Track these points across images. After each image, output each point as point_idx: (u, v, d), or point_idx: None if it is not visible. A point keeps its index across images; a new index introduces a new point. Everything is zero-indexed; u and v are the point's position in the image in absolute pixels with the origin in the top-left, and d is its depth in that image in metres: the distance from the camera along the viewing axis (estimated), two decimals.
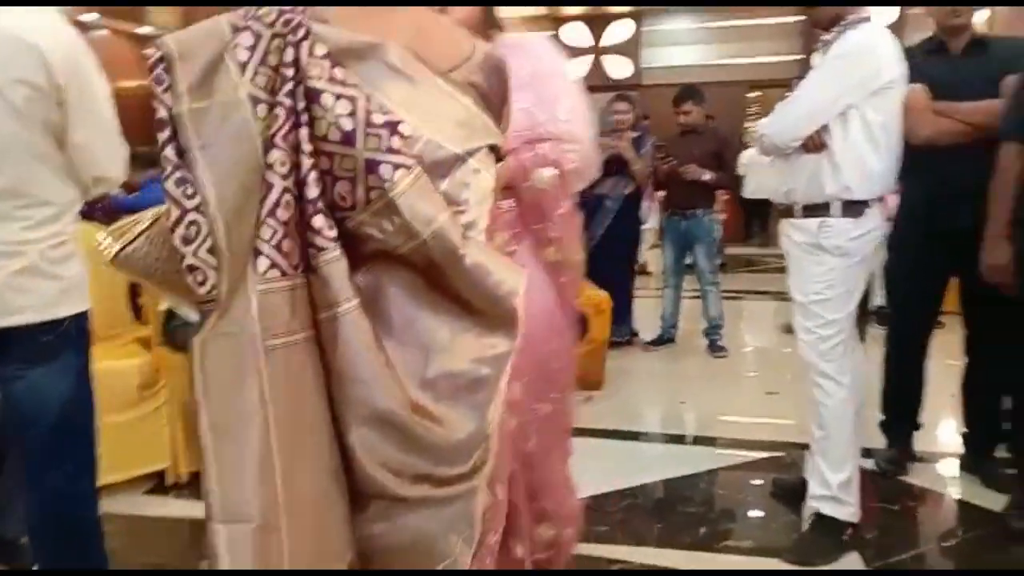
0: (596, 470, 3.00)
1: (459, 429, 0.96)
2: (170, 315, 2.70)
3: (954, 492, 2.74)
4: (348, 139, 0.89)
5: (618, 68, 10.69)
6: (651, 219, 5.78)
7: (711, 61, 10.22)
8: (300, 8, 0.93)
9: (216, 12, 0.95)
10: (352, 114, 0.88)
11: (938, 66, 2.62)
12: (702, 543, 2.41)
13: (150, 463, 2.79)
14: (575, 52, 10.86)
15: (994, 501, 2.54)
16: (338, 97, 0.88)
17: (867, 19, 2.28)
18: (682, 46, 10.45)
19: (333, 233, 0.90)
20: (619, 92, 5.06)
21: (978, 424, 2.85)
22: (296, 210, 0.90)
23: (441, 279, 0.96)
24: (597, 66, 10.77)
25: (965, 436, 2.89)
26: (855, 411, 2.34)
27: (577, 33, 10.80)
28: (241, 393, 0.87)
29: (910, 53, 2.65)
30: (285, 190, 0.89)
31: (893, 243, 2.88)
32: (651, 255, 7.00)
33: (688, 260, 4.85)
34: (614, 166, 4.64)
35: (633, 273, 5.01)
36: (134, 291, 3.12)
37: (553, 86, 1.80)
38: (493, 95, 1.02)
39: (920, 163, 2.60)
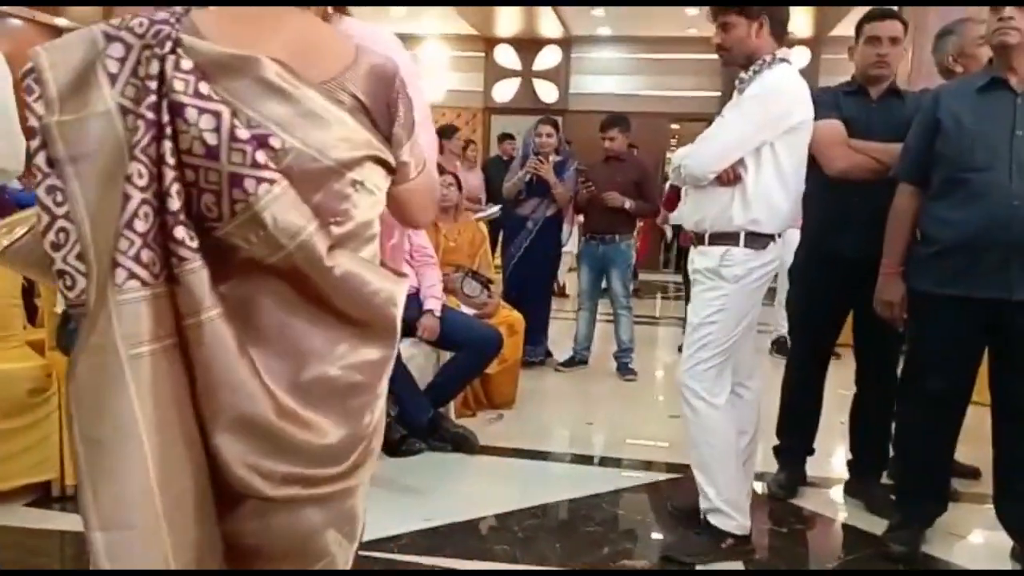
0: (502, 488, 3.05)
1: (331, 433, 0.99)
2: (66, 318, 2.61)
3: (839, 516, 2.87)
4: (212, 153, 0.90)
5: (545, 93, 10.88)
6: (571, 242, 5.88)
7: (636, 91, 10.50)
8: (176, 18, 0.94)
9: (135, 10, 0.95)
10: (216, 129, 0.89)
11: (856, 107, 2.77)
12: (602, 562, 2.46)
13: (37, 473, 2.65)
14: (506, 74, 11.02)
15: (876, 525, 2.66)
16: (202, 112, 0.89)
17: (784, 60, 2.40)
18: (608, 76, 10.72)
19: (195, 244, 0.91)
20: (544, 116, 5.15)
21: (864, 452, 2.99)
22: (157, 221, 0.90)
23: (313, 288, 0.98)
24: (528, 89, 10.94)
25: (851, 463, 3.03)
26: (740, 432, 2.46)
27: (508, 56, 10.95)
28: (111, 404, 0.87)
29: (831, 92, 2.83)
30: (143, 202, 0.89)
31: (794, 274, 3.04)
32: (570, 278, 7.11)
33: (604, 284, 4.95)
34: (536, 188, 4.73)
35: (551, 295, 5.09)
36: (30, 291, 3.00)
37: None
38: (377, 105, 1.03)
39: (821, 195, 2.76)
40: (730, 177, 2.37)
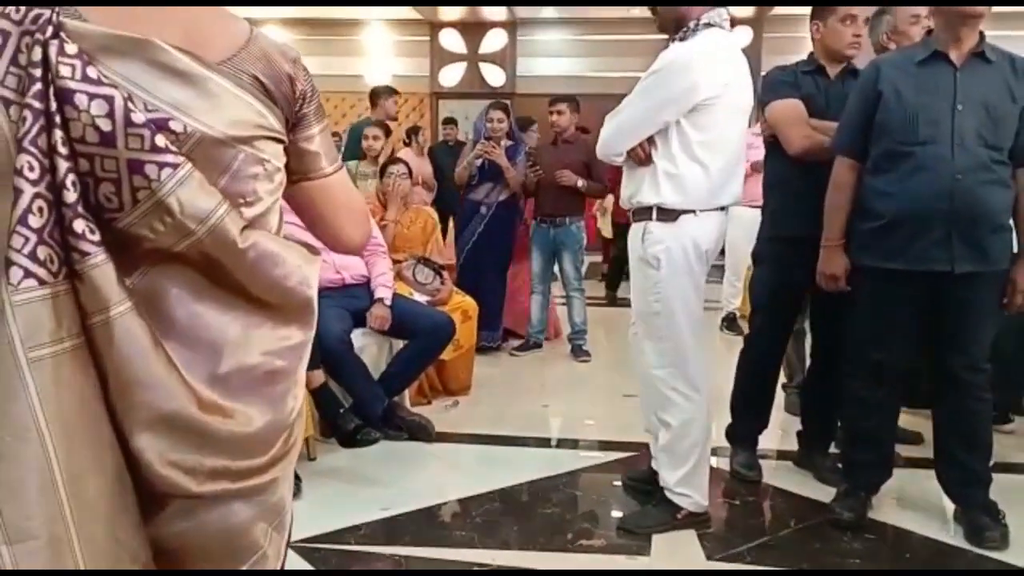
0: (460, 475, 3.06)
1: (254, 422, 0.97)
2: None
3: (790, 486, 2.93)
4: (107, 140, 0.86)
5: (492, 76, 10.83)
6: None
7: (584, 73, 10.50)
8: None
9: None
10: (109, 115, 0.85)
11: (814, 86, 2.79)
12: (561, 543, 2.49)
13: None
14: (452, 58, 10.93)
15: (826, 494, 2.74)
16: (92, 97, 0.85)
17: (711, 25, 2.35)
18: (556, 58, 10.70)
19: (96, 237, 0.87)
20: (495, 100, 5.14)
21: (813, 424, 3.06)
22: (53, 215, 0.85)
23: (225, 274, 0.95)
24: (474, 72, 10.87)
25: (800, 435, 3.11)
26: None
27: (453, 39, 10.87)
28: (9, 412, 0.82)
29: (788, 71, 2.85)
30: (36, 196, 0.84)
31: (758, 255, 3.06)
32: None
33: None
34: (488, 173, 4.72)
35: (504, 279, 5.09)
36: None
37: None
38: (277, 85, 1.00)
39: (782, 175, 2.80)
40: (641, 156, 2.38)
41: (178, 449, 0.91)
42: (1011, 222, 2.42)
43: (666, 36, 2.53)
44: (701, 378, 2.47)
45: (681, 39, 2.37)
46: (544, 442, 3.47)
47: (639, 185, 2.42)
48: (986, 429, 2.54)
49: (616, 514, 2.71)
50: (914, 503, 2.73)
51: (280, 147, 1.02)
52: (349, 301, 3.28)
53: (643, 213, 2.42)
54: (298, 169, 1.07)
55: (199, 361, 0.93)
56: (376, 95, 5.88)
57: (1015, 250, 2.45)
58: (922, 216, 2.34)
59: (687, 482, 2.49)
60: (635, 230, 2.47)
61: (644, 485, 2.75)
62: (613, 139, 2.41)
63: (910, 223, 2.37)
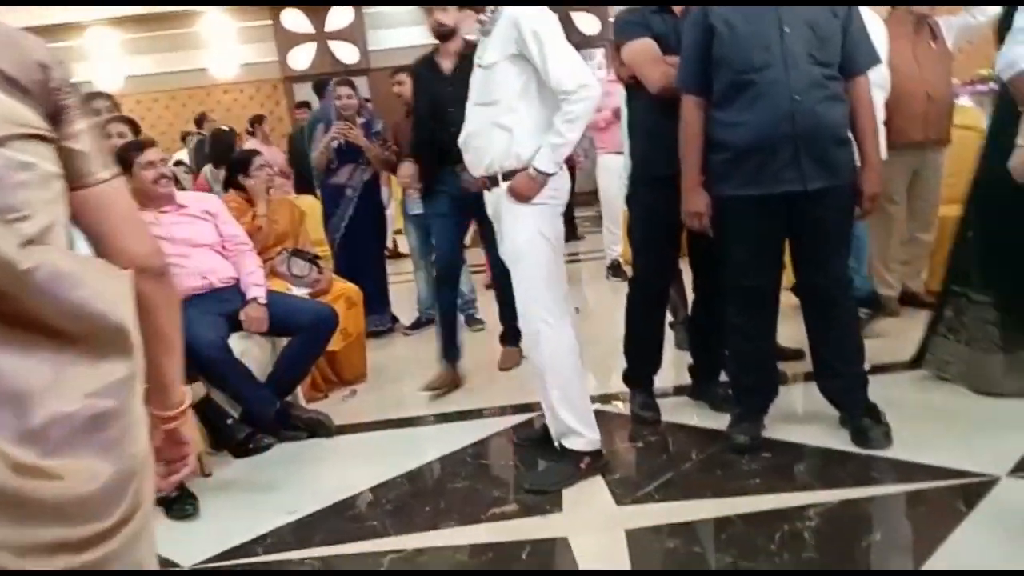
0: (365, 465, 2.98)
1: (90, 478, 0.84)
2: None
3: (686, 420, 3.02)
4: None
5: (344, 54, 10.53)
6: (391, 204, 5.78)
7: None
8: None
9: None
10: None
11: (663, 24, 2.80)
12: (473, 516, 2.47)
13: None
14: (299, 39, 10.54)
15: (722, 422, 2.82)
16: None
17: None
18: (408, 28, 10.47)
19: None
20: (339, 77, 4.97)
21: (701, 355, 3.16)
22: None
23: (13, 306, 0.81)
24: (325, 52, 10.52)
25: (691, 368, 3.20)
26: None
27: (297, 20, 10.48)
28: None
29: (637, 12, 2.85)
30: None
31: (630, 201, 3.05)
32: (398, 239, 6.99)
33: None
34: (348, 154, 4.56)
35: (383, 260, 4.99)
36: None
37: None
38: (29, 75, 0.89)
39: (643, 118, 2.82)
40: None
41: None
42: (850, 134, 2.52)
43: None
44: (568, 314, 2.60)
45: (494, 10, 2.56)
46: (445, 417, 3.43)
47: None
48: (855, 336, 2.67)
49: (525, 477, 2.71)
50: (804, 416, 2.87)
51: (49, 148, 0.91)
52: (221, 305, 3.11)
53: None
54: (67, 175, 0.94)
55: (4, 419, 0.79)
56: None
57: (856, 162, 2.56)
58: (769, 140, 2.42)
59: (578, 417, 2.59)
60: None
61: (538, 442, 2.82)
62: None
63: (759, 149, 2.44)
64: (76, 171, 0.95)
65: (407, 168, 3.70)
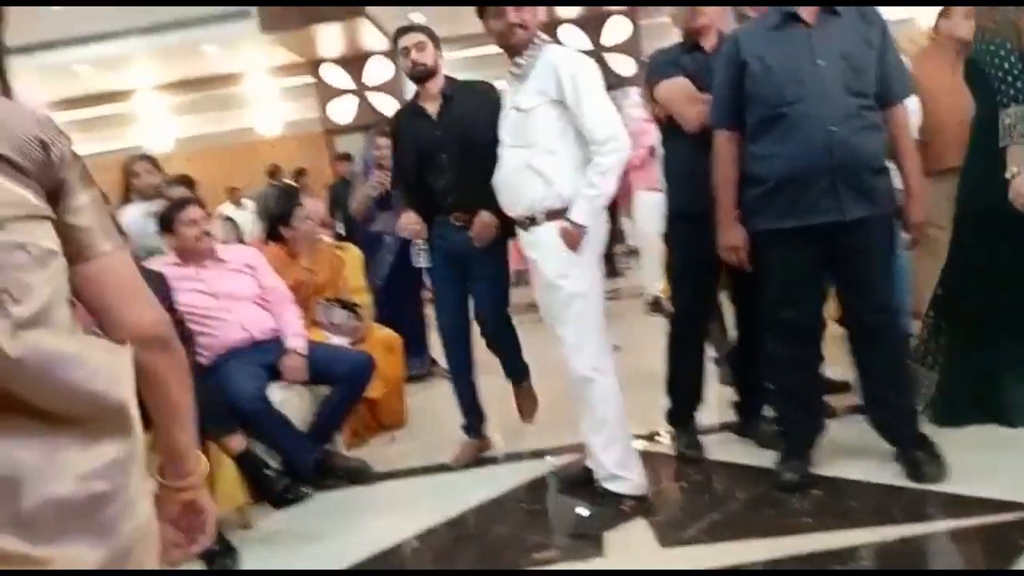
0: (405, 512, 2.95)
1: (83, 558, 0.82)
2: None
3: (732, 458, 2.94)
4: None
5: (384, 106, 10.76)
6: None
7: None
8: None
9: None
10: None
11: (693, 62, 2.79)
12: (514, 562, 2.42)
13: None
14: (338, 93, 10.82)
15: (768, 459, 2.74)
16: None
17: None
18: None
19: None
20: (376, 127, 5.06)
21: (746, 391, 3.08)
22: None
23: (7, 396, 0.80)
24: (365, 105, 10.79)
25: (736, 404, 3.12)
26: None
27: (337, 75, 10.78)
28: None
29: (667, 52, 2.89)
30: None
31: (669, 238, 3.03)
32: None
33: None
34: (387, 202, 4.62)
35: (421, 303, 5.01)
36: None
37: None
38: (26, 151, 0.86)
39: (679, 155, 2.81)
40: None
41: None
42: (888, 163, 2.48)
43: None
44: (611, 358, 2.61)
45: (532, 55, 2.59)
46: (486, 461, 3.38)
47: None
48: (905, 366, 2.59)
49: (567, 520, 2.66)
50: (853, 451, 2.76)
51: (47, 225, 0.88)
52: (261, 357, 3.15)
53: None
54: (69, 251, 0.91)
55: None
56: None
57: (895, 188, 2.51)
58: (804, 172, 2.39)
59: (620, 462, 2.57)
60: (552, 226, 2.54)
61: (579, 485, 2.78)
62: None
63: (796, 181, 2.41)
64: (77, 246, 0.93)
65: (411, 218, 3.17)
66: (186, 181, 4.83)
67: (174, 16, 8.65)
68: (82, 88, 10.33)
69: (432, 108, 3.16)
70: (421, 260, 3.21)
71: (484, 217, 2.98)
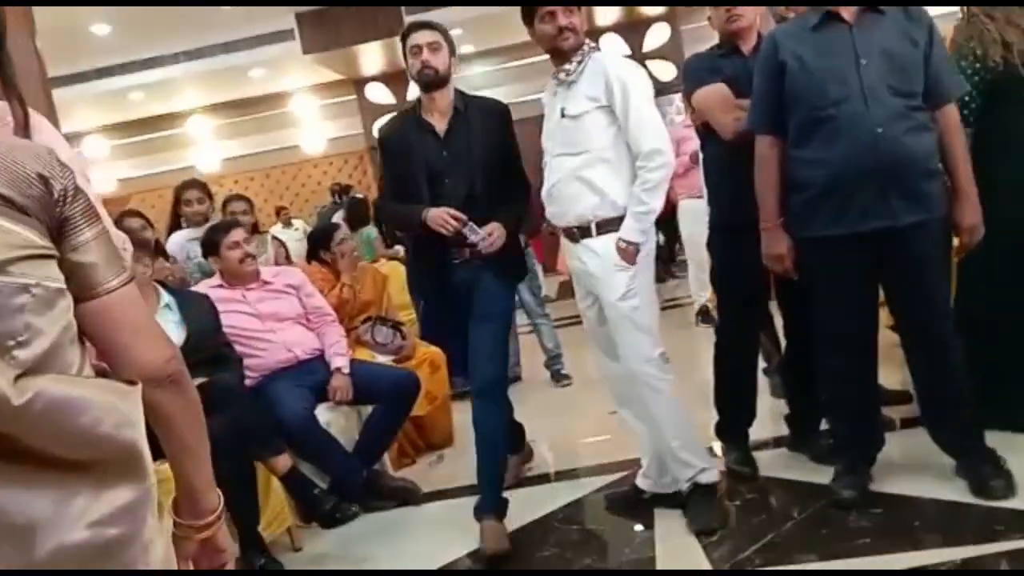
0: (456, 532, 2.91)
1: None
2: None
3: (788, 474, 2.84)
4: None
5: None
6: None
7: (515, 99, 10.49)
8: None
9: None
10: None
11: (732, 66, 2.73)
12: None
13: None
14: (382, 110, 10.91)
15: (824, 475, 2.64)
16: None
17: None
18: (483, 91, 10.66)
19: None
20: None
21: (799, 405, 2.98)
22: None
23: (14, 445, 0.78)
24: None
25: (788, 418, 3.03)
26: None
27: (380, 92, 10.89)
28: None
29: (705, 56, 2.84)
30: None
31: (712, 246, 2.96)
32: None
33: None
34: None
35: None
36: None
37: None
38: (21, 192, 0.84)
39: (721, 162, 2.75)
40: None
41: None
42: (940, 165, 2.38)
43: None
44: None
45: (580, 61, 2.55)
46: (534, 480, 3.34)
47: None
48: (964, 375, 2.47)
49: (620, 538, 2.60)
50: (914, 466, 2.64)
51: (52, 264, 0.87)
52: (306, 377, 3.17)
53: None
54: (74, 288, 0.90)
55: (6, 555, 0.77)
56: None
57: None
58: (852, 176, 2.30)
59: (701, 455, 2.62)
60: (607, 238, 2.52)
61: (628, 503, 2.78)
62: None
63: (843, 186, 2.32)
64: (83, 283, 0.91)
65: (437, 210, 2.62)
66: (242, 199, 4.93)
67: (220, 40, 8.85)
68: (137, 113, 10.63)
69: (440, 124, 2.74)
70: (476, 234, 2.61)
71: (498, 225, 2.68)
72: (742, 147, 2.59)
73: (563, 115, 2.57)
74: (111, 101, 9.66)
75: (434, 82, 2.72)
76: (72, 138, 10.23)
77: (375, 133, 12.13)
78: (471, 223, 2.60)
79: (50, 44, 5.39)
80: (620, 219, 2.49)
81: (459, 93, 2.81)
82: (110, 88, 9.23)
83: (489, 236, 2.62)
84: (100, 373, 0.95)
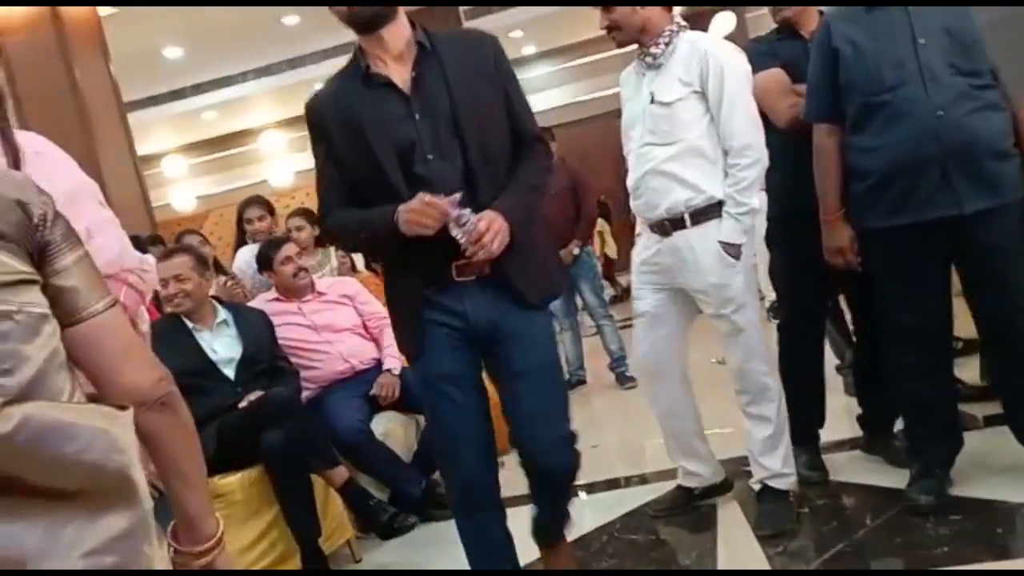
0: (516, 540, 2.86)
1: None
2: None
3: (860, 479, 2.69)
4: None
5: None
6: None
7: (578, 99, 10.45)
8: None
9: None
10: None
11: (791, 51, 2.61)
12: None
13: None
14: None
15: (898, 479, 2.49)
16: None
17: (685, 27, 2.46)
18: (547, 91, 10.67)
19: None
20: None
21: (871, 404, 2.83)
22: None
23: (3, 470, 0.77)
24: None
25: (861, 419, 2.87)
26: None
27: None
28: None
29: (763, 41, 2.76)
30: None
31: (769, 239, 2.86)
32: None
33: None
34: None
35: None
36: None
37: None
38: (8, 218, 0.85)
39: (778, 152, 2.60)
40: None
41: None
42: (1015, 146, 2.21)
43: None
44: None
45: (667, 43, 2.42)
46: (594, 487, 3.26)
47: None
48: None
49: (671, 549, 2.52)
50: (997, 468, 2.46)
51: (35, 289, 0.86)
52: (363, 387, 3.19)
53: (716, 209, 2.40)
54: (58, 313, 0.89)
55: None
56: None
57: None
58: (912, 163, 2.16)
59: (788, 461, 2.55)
60: (712, 226, 2.39)
61: (674, 510, 2.74)
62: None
63: (904, 173, 2.19)
64: (67, 308, 0.91)
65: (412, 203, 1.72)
66: (302, 214, 5.00)
67: (287, 56, 9.08)
68: (211, 132, 11.02)
69: (399, 73, 1.81)
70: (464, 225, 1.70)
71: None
72: (800, 134, 2.47)
73: (652, 100, 2.43)
74: (186, 121, 10.04)
75: (376, 17, 1.77)
76: (151, 159, 10.68)
77: None
78: (464, 211, 1.70)
79: (125, 69, 5.64)
80: (715, 206, 2.38)
81: (418, 27, 1.86)
82: (184, 109, 9.60)
83: (481, 230, 1.70)
84: (93, 400, 0.94)
